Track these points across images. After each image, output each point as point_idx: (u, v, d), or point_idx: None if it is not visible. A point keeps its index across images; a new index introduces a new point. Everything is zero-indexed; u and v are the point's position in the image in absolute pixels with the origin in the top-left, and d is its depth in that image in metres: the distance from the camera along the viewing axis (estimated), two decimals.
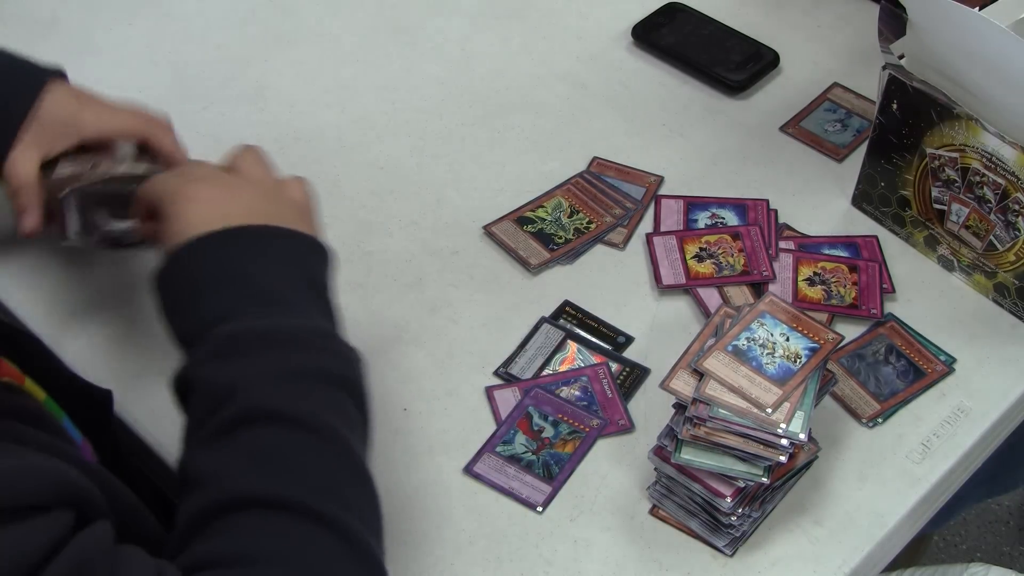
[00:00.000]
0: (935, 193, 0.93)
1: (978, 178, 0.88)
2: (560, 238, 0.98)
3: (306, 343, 0.69)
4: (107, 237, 0.87)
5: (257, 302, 0.69)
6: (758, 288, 0.94)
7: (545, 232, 0.99)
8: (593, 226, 1.00)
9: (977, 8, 0.83)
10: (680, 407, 0.76)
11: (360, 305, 0.94)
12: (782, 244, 0.97)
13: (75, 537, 0.54)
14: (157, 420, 0.85)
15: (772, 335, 0.77)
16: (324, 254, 0.75)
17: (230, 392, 0.65)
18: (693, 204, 1.01)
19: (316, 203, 0.80)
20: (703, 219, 1.00)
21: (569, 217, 1.00)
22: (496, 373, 0.90)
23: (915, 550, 1.63)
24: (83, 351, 0.90)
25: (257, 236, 0.72)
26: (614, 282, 0.96)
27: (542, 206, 1.01)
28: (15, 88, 0.85)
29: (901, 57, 0.90)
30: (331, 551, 0.61)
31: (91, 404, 0.78)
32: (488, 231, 0.99)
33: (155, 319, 0.86)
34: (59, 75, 0.88)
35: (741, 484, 0.75)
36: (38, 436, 0.61)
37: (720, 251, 0.96)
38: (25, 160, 0.85)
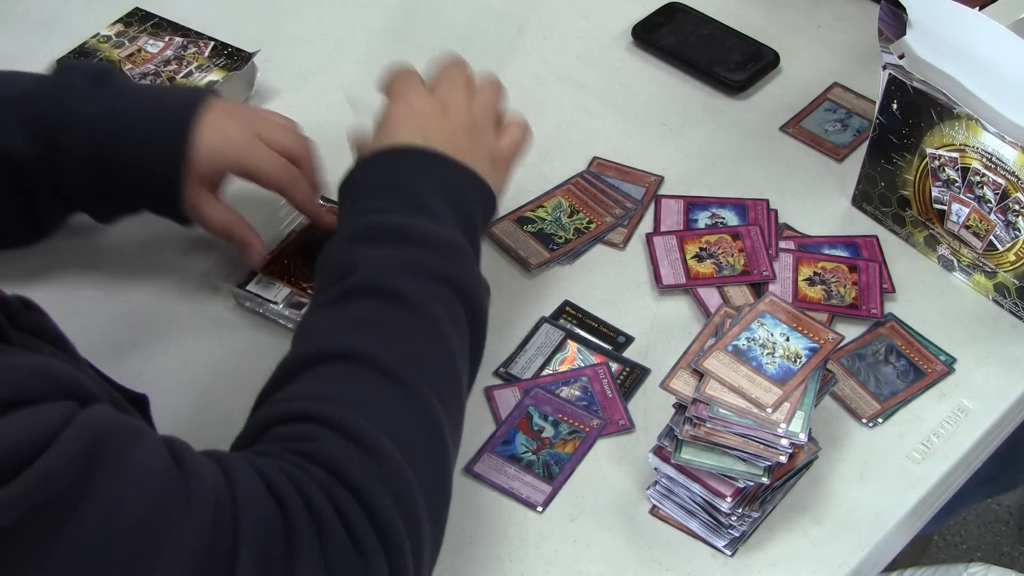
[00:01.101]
0: (935, 193, 0.93)
1: (978, 178, 0.88)
2: (560, 238, 0.98)
3: (440, 249, 0.73)
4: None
5: (406, 204, 0.75)
6: (758, 288, 0.94)
7: (545, 232, 0.99)
8: (593, 226, 1.00)
9: (977, 8, 0.83)
10: (680, 407, 0.76)
11: None
12: (782, 244, 0.97)
13: (80, 413, 0.54)
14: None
15: (772, 335, 0.77)
16: (492, 204, 0.81)
17: (353, 268, 0.71)
18: (693, 204, 1.01)
19: (525, 152, 0.86)
20: (703, 219, 1.00)
21: (569, 217, 1.00)
22: (496, 373, 0.90)
23: (915, 550, 1.63)
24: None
25: (422, 156, 0.78)
26: (614, 282, 0.96)
27: (542, 206, 1.01)
28: (171, 121, 0.86)
29: (901, 57, 0.90)
30: (406, 417, 0.65)
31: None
32: (488, 231, 0.99)
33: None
34: (204, 102, 0.88)
35: (741, 484, 0.75)
36: (54, 352, 0.62)
37: (720, 251, 0.96)
38: (206, 200, 0.88)
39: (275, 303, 0.92)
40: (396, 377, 0.66)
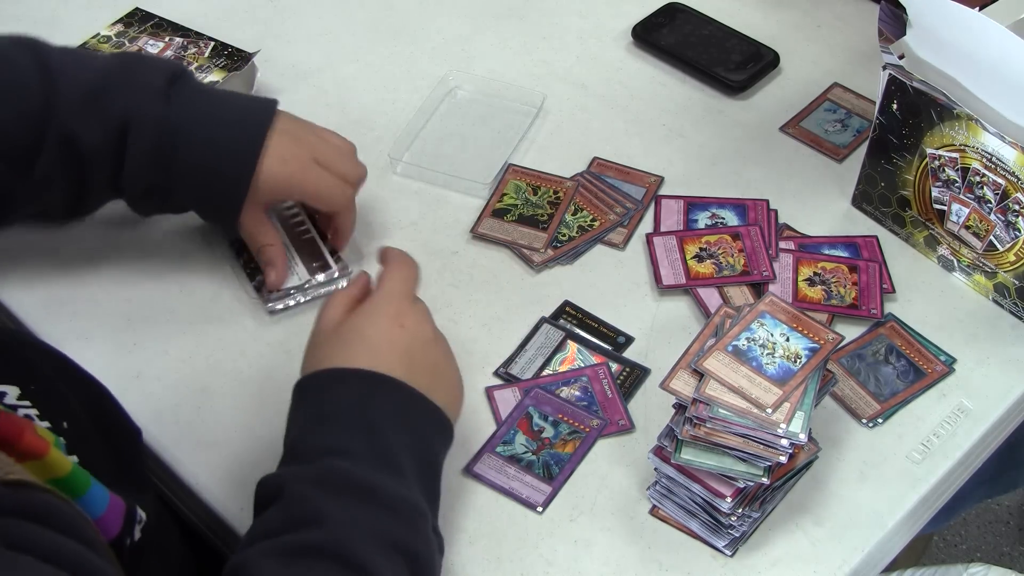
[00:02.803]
0: (935, 193, 0.93)
1: (978, 178, 0.88)
2: (564, 236, 0.99)
3: (402, 515, 0.70)
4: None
5: (376, 456, 0.71)
6: (758, 288, 0.94)
7: (525, 215, 0.99)
8: (597, 223, 1.00)
9: (977, 8, 0.83)
10: (680, 407, 0.76)
11: None
12: (782, 244, 0.97)
13: None
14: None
15: (772, 335, 0.77)
16: (449, 438, 0.77)
17: (318, 521, 0.67)
18: (693, 204, 1.01)
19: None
20: (703, 219, 1.00)
21: (573, 215, 1.00)
22: (496, 373, 0.90)
23: (915, 550, 1.63)
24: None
25: (401, 397, 0.74)
26: (614, 282, 0.96)
27: (504, 193, 1.02)
28: (239, 147, 0.88)
29: (901, 57, 0.90)
30: None
31: (122, 439, 0.77)
32: (476, 233, 0.99)
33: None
34: (271, 122, 0.89)
35: (741, 484, 0.75)
36: (42, 537, 0.58)
37: (720, 251, 0.96)
38: (258, 220, 0.91)
39: (302, 286, 0.94)
40: None
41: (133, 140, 0.85)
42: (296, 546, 0.66)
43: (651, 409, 0.87)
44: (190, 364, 0.91)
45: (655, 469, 0.79)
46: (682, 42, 1.16)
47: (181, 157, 0.87)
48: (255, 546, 0.67)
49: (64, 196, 0.88)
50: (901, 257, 0.97)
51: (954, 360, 0.90)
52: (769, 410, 0.73)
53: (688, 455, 0.75)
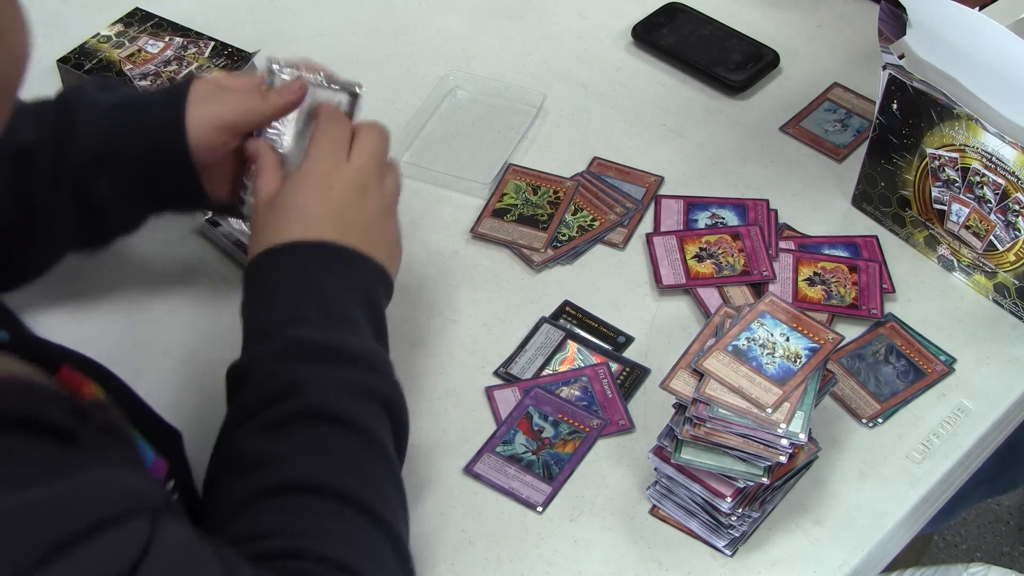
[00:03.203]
0: (935, 193, 0.93)
1: (978, 178, 0.88)
2: (564, 236, 0.99)
3: (364, 363, 0.73)
4: None
5: (325, 314, 0.74)
6: (758, 288, 0.94)
7: (525, 215, 0.99)
8: (597, 223, 1.00)
9: (977, 8, 0.83)
10: (680, 407, 0.76)
11: None
12: (782, 244, 0.97)
13: (155, 541, 0.55)
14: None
15: (772, 335, 0.77)
16: (389, 284, 0.80)
17: (292, 389, 0.70)
18: (693, 204, 1.01)
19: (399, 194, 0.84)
20: (703, 219, 1.00)
21: (573, 215, 1.00)
22: (496, 373, 0.90)
23: (915, 550, 1.63)
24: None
25: (338, 256, 0.77)
26: (614, 282, 0.96)
27: (504, 192, 1.02)
28: (169, 92, 0.85)
29: (901, 57, 0.90)
30: (380, 544, 0.66)
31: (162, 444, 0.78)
32: (476, 233, 0.99)
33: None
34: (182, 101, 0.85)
35: (741, 484, 0.75)
36: (122, 453, 0.62)
37: (720, 251, 0.96)
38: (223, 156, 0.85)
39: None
40: (363, 507, 0.67)
41: (79, 116, 0.83)
42: (278, 418, 0.69)
43: (651, 409, 0.87)
44: (190, 364, 0.91)
45: (655, 469, 0.79)
46: (682, 42, 1.16)
47: (126, 121, 0.84)
48: (237, 433, 0.70)
49: (17, 214, 0.85)
50: (901, 257, 0.97)
51: (954, 360, 0.90)
52: (769, 410, 0.73)
53: (688, 455, 0.75)
